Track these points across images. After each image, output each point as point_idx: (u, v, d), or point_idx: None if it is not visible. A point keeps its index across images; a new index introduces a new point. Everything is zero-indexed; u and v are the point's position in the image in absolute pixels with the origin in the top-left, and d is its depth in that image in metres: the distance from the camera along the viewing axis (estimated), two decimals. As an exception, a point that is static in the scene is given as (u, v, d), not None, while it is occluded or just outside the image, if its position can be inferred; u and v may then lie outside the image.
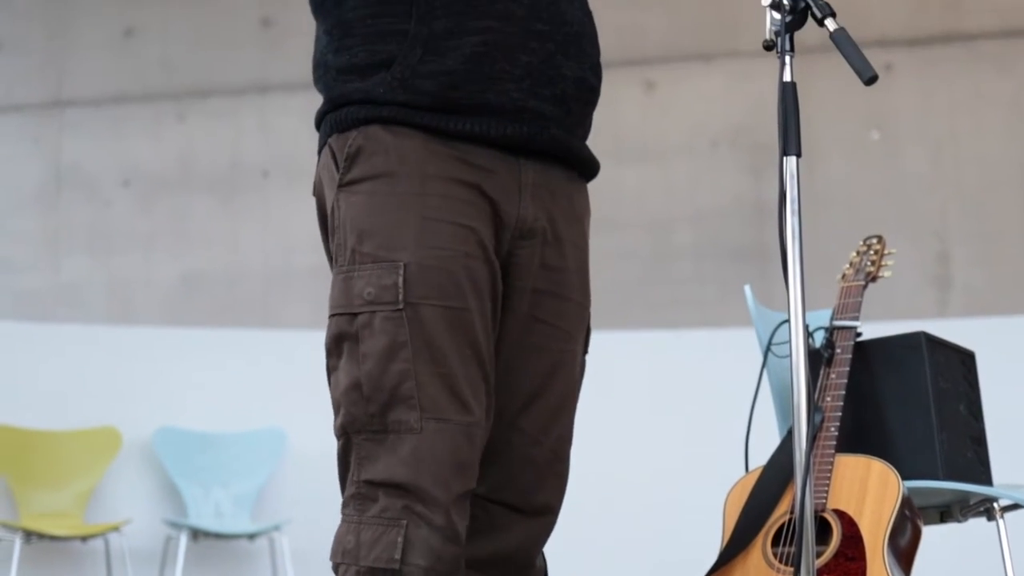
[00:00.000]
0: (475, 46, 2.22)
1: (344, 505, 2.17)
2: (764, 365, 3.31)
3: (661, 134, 6.97)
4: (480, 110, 2.22)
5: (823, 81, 5.80)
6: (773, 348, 3.30)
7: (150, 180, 7.37)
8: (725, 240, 6.76)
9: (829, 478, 2.96)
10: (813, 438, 2.60)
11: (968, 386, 3.38)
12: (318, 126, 2.34)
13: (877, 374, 3.25)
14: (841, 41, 2.31)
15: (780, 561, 2.90)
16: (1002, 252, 6.57)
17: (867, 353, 3.25)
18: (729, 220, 6.78)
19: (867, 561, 2.82)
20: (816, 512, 2.87)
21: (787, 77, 2.37)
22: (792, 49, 2.39)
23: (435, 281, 2.15)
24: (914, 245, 6.49)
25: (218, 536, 6.49)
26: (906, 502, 2.91)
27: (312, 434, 5.46)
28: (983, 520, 3.37)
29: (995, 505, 3.27)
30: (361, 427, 2.15)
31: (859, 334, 3.24)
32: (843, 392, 3.10)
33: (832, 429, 3.03)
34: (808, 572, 2.35)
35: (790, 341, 2.37)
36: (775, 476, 3.01)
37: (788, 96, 2.37)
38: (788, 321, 2.38)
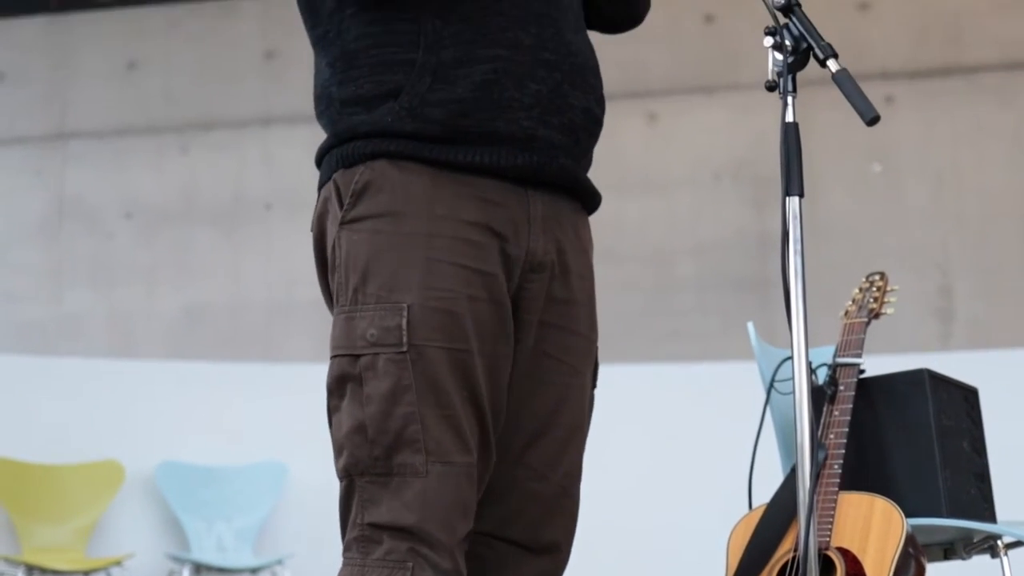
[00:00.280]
0: (485, 74, 2.21)
1: (346, 548, 2.15)
2: (767, 402, 3.31)
3: (664, 166, 6.98)
4: (490, 139, 2.21)
5: (825, 114, 5.81)
6: (776, 385, 3.30)
7: (153, 212, 7.38)
8: (727, 272, 6.77)
9: (833, 516, 2.95)
10: (816, 476, 2.60)
11: (971, 422, 3.37)
12: (319, 161, 2.32)
13: (880, 411, 3.25)
14: (843, 82, 2.32)
15: (784, 599, 2.90)
16: (1004, 284, 6.57)
17: (870, 390, 3.25)
18: (731, 252, 6.79)
19: (871, 599, 2.81)
20: (820, 550, 2.87)
21: (790, 117, 2.38)
22: (795, 90, 2.39)
23: (439, 323, 2.14)
24: (916, 277, 6.49)
25: (220, 570, 6.47)
26: (910, 540, 2.90)
27: (314, 467, 5.45)
28: (987, 557, 3.36)
29: (999, 542, 3.26)
30: (364, 469, 2.13)
31: (862, 371, 3.24)
32: (846, 429, 3.09)
33: (835, 466, 3.03)
34: (812, 612, 2.34)
35: (793, 381, 2.37)
36: (778, 514, 3.01)
37: (791, 136, 2.37)
38: (791, 358, 2.38)
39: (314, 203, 2.33)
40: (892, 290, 3.40)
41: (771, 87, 2.40)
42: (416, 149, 2.19)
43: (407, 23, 2.23)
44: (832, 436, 3.09)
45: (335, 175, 2.24)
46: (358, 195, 2.20)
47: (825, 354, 3.32)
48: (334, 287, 2.23)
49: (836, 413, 3.13)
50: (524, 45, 2.25)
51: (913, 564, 2.91)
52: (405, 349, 2.12)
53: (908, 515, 2.94)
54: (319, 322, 2.34)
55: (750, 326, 3.48)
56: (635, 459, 6.38)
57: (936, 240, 6.66)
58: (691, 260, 6.84)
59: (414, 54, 2.21)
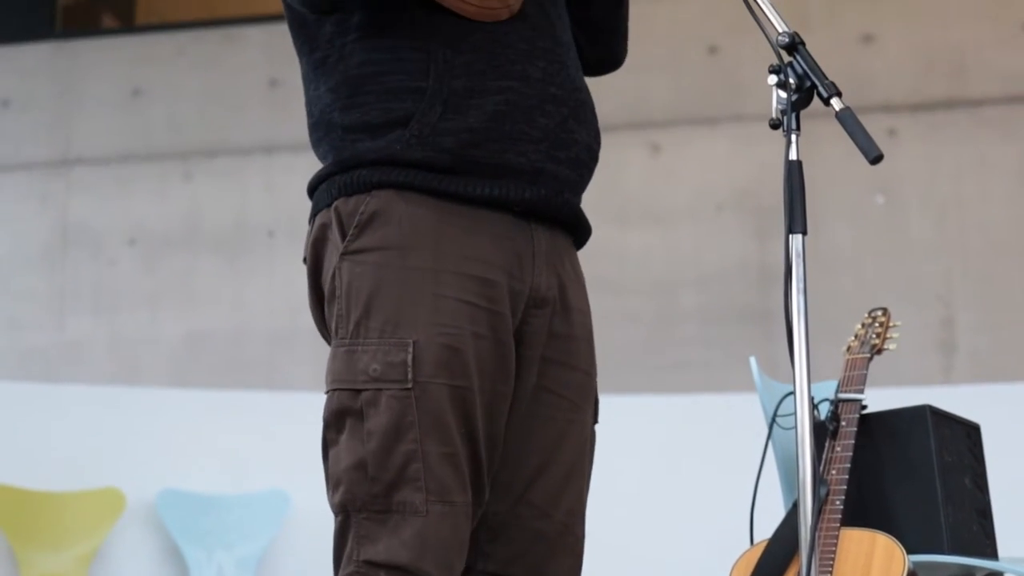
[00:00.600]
0: (497, 105, 2.22)
1: (340, 585, 2.14)
2: (769, 437, 3.31)
3: (666, 197, 6.99)
4: (498, 171, 2.22)
5: (828, 146, 5.79)
6: (778, 420, 3.30)
7: (156, 239, 7.38)
8: (730, 303, 6.76)
9: (834, 552, 2.95)
10: (818, 512, 2.60)
11: (973, 459, 3.38)
12: (315, 188, 2.30)
13: (882, 447, 3.26)
14: (847, 121, 2.33)
15: (785, 636, 2.90)
16: (1007, 318, 6.57)
17: (872, 426, 3.26)
18: (734, 283, 6.79)
19: (873, 637, 2.81)
20: (821, 587, 2.87)
21: (793, 155, 2.39)
22: (798, 128, 2.40)
23: (445, 360, 2.13)
24: (918, 310, 6.48)
25: (221, 599, 6.47)
26: (911, 577, 2.90)
27: (317, 497, 5.39)
28: (989, 594, 3.36)
29: (1001, 579, 3.27)
30: (362, 506, 2.12)
31: (864, 407, 3.25)
32: (848, 465, 3.10)
33: (837, 502, 3.03)
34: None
35: (795, 419, 2.37)
36: (780, 550, 3.01)
37: (794, 174, 2.38)
38: (793, 393, 2.38)
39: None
40: (894, 326, 3.41)
41: (775, 125, 2.40)
42: (424, 180, 2.19)
43: (416, 51, 2.23)
44: (834, 472, 3.10)
45: (336, 202, 2.23)
46: (363, 225, 2.19)
47: (827, 389, 3.33)
48: (331, 317, 2.21)
49: (838, 449, 3.14)
50: (533, 79, 2.26)
51: (915, 601, 2.91)
52: (410, 386, 2.11)
53: (910, 551, 2.94)
54: (322, 350, 2.33)
55: (752, 361, 3.48)
56: (636, 491, 6.36)
57: (939, 272, 6.65)
58: (693, 291, 6.84)
59: (423, 82, 2.21)
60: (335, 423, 2.17)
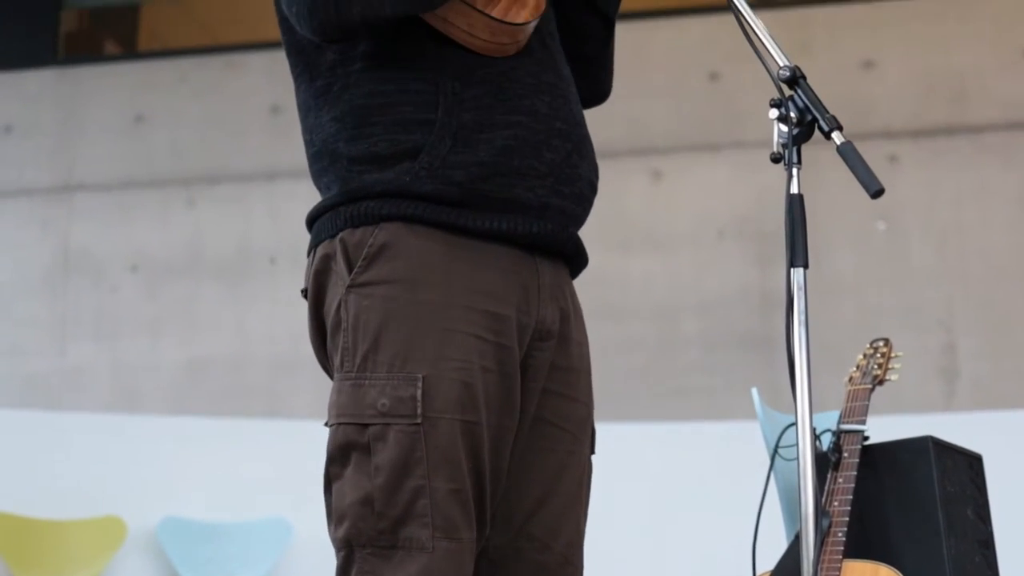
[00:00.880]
0: (506, 139, 2.22)
1: (342, 620, 2.12)
2: (771, 468, 3.31)
3: (667, 223, 6.99)
4: (506, 205, 2.22)
5: (829, 172, 5.80)
6: (780, 451, 3.30)
7: (158, 265, 7.38)
8: (732, 330, 6.76)
9: (837, 584, 2.95)
10: (821, 544, 2.59)
11: (976, 489, 3.37)
12: (315, 219, 2.29)
13: (884, 479, 3.26)
14: (847, 154, 2.32)
15: (788, 669, 2.89)
16: (1009, 344, 6.57)
17: (874, 457, 3.25)
18: (735, 310, 6.78)
19: (875, 670, 2.80)
20: (824, 619, 2.86)
21: (795, 189, 2.38)
22: (799, 161, 2.40)
23: (454, 395, 2.13)
24: (920, 336, 6.48)
25: (222, 627, 6.45)
26: (914, 609, 2.90)
27: (318, 525, 5.39)
28: (992, 626, 3.35)
29: (1004, 611, 3.26)
30: (367, 541, 2.11)
31: (866, 438, 3.24)
32: (850, 497, 3.10)
33: (839, 534, 3.03)
34: None
35: (797, 451, 2.36)
36: (782, 582, 3.01)
37: (796, 208, 2.37)
38: (795, 424, 2.37)
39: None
40: (896, 356, 3.41)
41: (776, 159, 2.40)
42: (434, 213, 2.18)
43: (424, 83, 2.23)
44: (836, 503, 3.09)
45: (341, 233, 2.21)
46: (372, 258, 2.18)
47: (829, 419, 3.33)
48: (336, 350, 2.20)
49: (840, 480, 3.14)
50: (540, 113, 2.27)
51: (917, 633, 2.91)
52: (419, 421, 2.10)
53: (912, 584, 2.93)
54: (324, 378, 2.32)
55: (754, 392, 3.48)
56: (637, 519, 6.35)
57: (940, 299, 6.65)
58: (695, 318, 6.84)
59: (432, 114, 2.21)
60: (340, 457, 2.15)
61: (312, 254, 2.28)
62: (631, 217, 6.92)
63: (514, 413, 2.22)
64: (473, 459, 2.15)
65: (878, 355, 3.38)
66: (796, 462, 2.38)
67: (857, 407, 3.25)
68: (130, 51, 8.50)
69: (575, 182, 2.30)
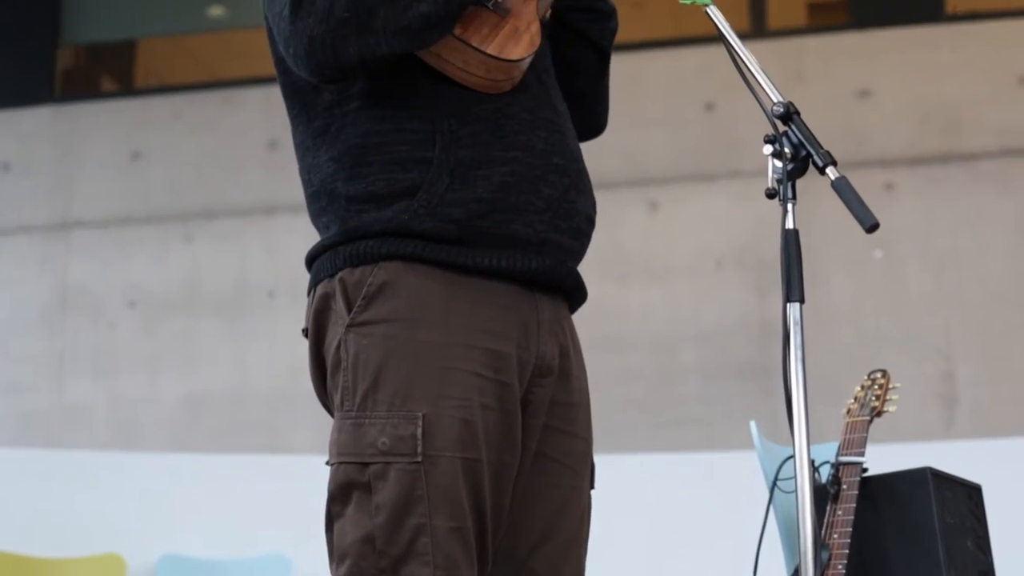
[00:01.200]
0: (504, 176, 2.22)
1: (343, 658, 2.12)
2: (770, 501, 3.31)
3: (665, 254, 7.00)
4: (505, 242, 2.22)
5: (825, 200, 5.80)
6: (779, 483, 3.30)
7: (156, 301, 7.38)
8: (730, 360, 6.76)
9: (838, 617, 2.94)
10: (821, 577, 2.59)
11: (975, 520, 3.37)
12: (314, 258, 2.29)
13: (883, 510, 3.25)
14: (842, 189, 2.33)
15: None
16: (1007, 371, 6.57)
17: (873, 489, 3.25)
18: (734, 339, 6.79)
19: None
20: (825, 653, 2.85)
21: (790, 224, 2.39)
22: (794, 197, 2.40)
23: (455, 433, 2.13)
24: (918, 364, 6.49)
25: (222, 664, 6.43)
26: (915, 642, 2.89)
27: (318, 561, 5.39)
28: (993, 657, 3.34)
29: (1005, 642, 3.25)
30: (368, 580, 2.11)
31: (865, 470, 3.24)
32: (850, 529, 3.09)
33: (839, 567, 3.02)
34: None
35: (796, 484, 2.36)
36: (783, 616, 3.00)
37: (791, 243, 2.38)
38: (793, 457, 2.38)
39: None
40: (894, 387, 3.41)
41: (771, 195, 2.40)
42: (432, 251, 2.18)
43: (420, 121, 2.23)
44: (836, 536, 3.09)
45: (341, 273, 2.22)
46: (371, 297, 2.18)
47: (828, 451, 3.32)
48: (336, 389, 2.20)
49: (839, 512, 3.14)
50: (537, 149, 2.27)
51: (919, 666, 2.90)
52: (419, 459, 2.11)
53: (913, 616, 2.93)
54: (324, 413, 2.32)
55: (752, 425, 3.48)
56: (636, 550, 6.32)
57: (938, 326, 6.66)
58: (693, 348, 6.84)
59: (429, 152, 2.21)
60: (341, 496, 2.16)
61: (312, 293, 2.29)
62: (629, 248, 6.92)
63: (515, 450, 2.22)
64: (474, 496, 2.15)
65: (876, 387, 3.38)
66: (795, 495, 2.38)
67: (855, 439, 3.25)
68: (127, 88, 8.52)
69: (573, 217, 2.31)
